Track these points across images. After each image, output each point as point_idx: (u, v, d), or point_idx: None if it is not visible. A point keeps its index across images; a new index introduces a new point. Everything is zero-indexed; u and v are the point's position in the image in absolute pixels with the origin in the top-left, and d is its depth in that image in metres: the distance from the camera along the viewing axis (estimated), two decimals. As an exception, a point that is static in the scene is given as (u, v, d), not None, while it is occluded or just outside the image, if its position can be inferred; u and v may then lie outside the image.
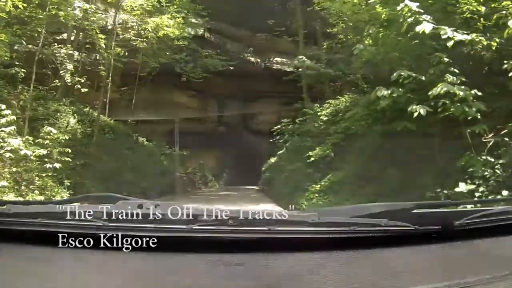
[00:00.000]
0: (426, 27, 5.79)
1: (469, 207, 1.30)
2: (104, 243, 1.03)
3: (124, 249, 1.01)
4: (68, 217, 1.08)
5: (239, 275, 0.94)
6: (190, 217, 1.10)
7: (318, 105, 15.62)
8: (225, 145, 28.57)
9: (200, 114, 26.99)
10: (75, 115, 12.62)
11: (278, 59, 24.89)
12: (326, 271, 0.96)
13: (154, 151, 18.74)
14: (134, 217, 1.07)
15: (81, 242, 1.04)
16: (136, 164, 14.26)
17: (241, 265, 0.98)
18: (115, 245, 1.02)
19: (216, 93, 26.25)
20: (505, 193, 5.02)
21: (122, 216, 1.10)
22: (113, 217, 1.10)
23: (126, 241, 1.02)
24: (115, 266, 0.98)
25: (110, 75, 14.66)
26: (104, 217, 1.08)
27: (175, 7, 16.92)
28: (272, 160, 21.80)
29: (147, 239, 1.02)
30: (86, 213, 1.09)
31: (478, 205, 1.32)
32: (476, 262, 1.03)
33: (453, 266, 1.01)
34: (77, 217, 1.08)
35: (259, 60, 24.88)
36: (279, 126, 18.51)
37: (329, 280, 0.92)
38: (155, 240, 1.03)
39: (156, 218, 1.09)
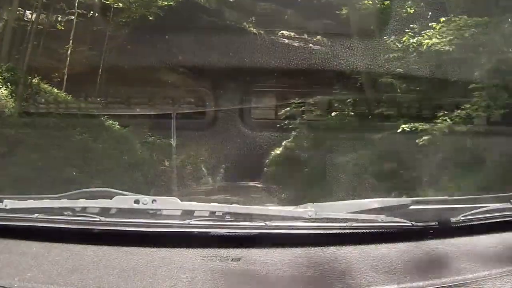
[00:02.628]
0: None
1: (466, 204, 1.30)
2: (101, 238, 1.03)
3: (120, 244, 1.01)
4: (65, 213, 1.08)
5: (235, 270, 0.94)
6: (187, 213, 1.10)
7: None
8: (222, 133, 26.74)
9: (193, 95, 25.24)
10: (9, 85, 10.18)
11: (285, 32, 20.51)
12: (323, 266, 0.95)
13: (127, 138, 15.03)
14: (131, 212, 1.07)
15: (77, 237, 1.04)
16: (93, 154, 11.08)
17: (238, 260, 0.98)
18: (111, 240, 1.02)
19: (211, 72, 24.31)
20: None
21: (118, 211, 1.10)
22: (110, 212, 1.10)
23: (123, 236, 1.02)
24: (112, 261, 0.97)
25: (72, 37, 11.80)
26: (101, 213, 1.08)
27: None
28: (278, 151, 18.25)
29: (144, 234, 1.02)
30: (83, 209, 1.10)
31: (476, 202, 1.32)
32: (473, 259, 1.03)
33: (450, 263, 1.01)
34: (74, 213, 1.08)
35: (262, 32, 20.50)
36: (288, 109, 15.48)
37: (326, 275, 0.92)
38: (152, 235, 1.03)
39: (153, 213, 1.09)
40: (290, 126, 13.65)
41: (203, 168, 21.13)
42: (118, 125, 13.45)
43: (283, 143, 15.38)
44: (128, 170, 11.49)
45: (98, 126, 12.10)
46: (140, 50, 15.92)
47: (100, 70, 13.86)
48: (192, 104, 20.91)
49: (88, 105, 13.36)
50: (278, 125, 14.00)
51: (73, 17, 12.37)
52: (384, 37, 9.31)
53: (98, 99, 14.17)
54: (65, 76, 12.27)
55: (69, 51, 12.11)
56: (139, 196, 1.09)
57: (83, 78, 13.26)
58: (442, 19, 7.51)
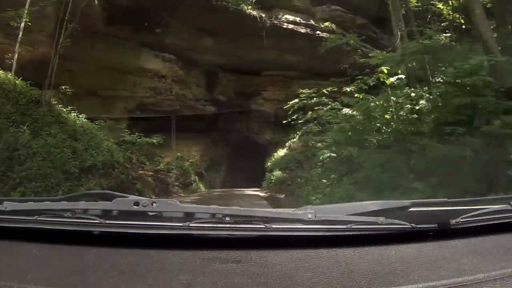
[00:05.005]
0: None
1: (466, 205, 1.30)
2: (101, 241, 1.03)
3: (120, 246, 1.02)
4: (65, 215, 1.09)
5: (235, 272, 0.94)
6: (187, 215, 1.10)
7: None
8: (216, 131, 21.45)
9: (182, 87, 19.06)
10: None
11: (289, 17, 18.10)
12: (322, 269, 0.96)
13: (91, 134, 12.21)
14: (131, 215, 1.08)
15: (77, 240, 1.04)
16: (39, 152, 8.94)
17: (238, 263, 0.98)
18: (111, 242, 1.02)
19: (204, 60, 18.81)
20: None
21: (118, 213, 1.11)
22: (110, 215, 1.11)
23: (123, 238, 1.03)
24: (112, 263, 0.97)
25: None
26: (101, 215, 1.09)
27: None
28: (281, 152, 17.51)
29: (144, 236, 1.03)
30: (83, 211, 1.10)
31: (475, 203, 1.32)
32: (473, 261, 1.03)
33: (449, 265, 1.01)
34: (73, 215, 1.08)
35: (263, 15, 17.80)
36: (296, 100, 14.43)
37: (326, 278, 0.92)
38: (152, 238, 1.03)
39: (153, 215, 1.10)
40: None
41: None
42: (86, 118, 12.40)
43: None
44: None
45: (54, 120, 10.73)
46: (120, 36, 15.31)
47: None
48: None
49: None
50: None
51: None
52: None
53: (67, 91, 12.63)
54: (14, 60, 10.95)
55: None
56: (139, 198, 1.10)
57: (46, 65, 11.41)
58: None
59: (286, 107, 15.04)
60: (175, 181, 17.47)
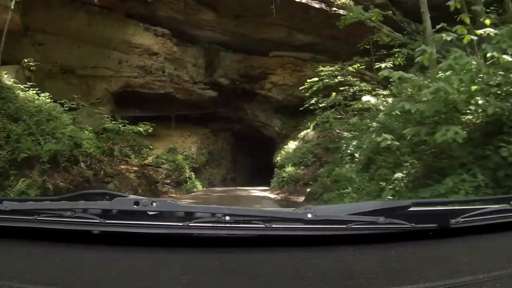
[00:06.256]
0: None
1: (466, 205, 1.30)
2: (100, 240, 1.03)
3: (120, 245, 1.02)
4: (65, 214, 1.09)
5: (235, 272, 0.94)
6: (187, 214, 1.10)
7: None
8: (216, 120, 18.99)
9: (176, 66, 16.23)
10: None
11: None
12: (322, 268, 0.96)
13: (50, 116, 9.49)
14: (131, 214, 1.08)
15: (77, 239, 1.04)
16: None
17: (237, 262, 0.98)
18: (111, 242, 1.03)
19: (203, 36, 16.44)
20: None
21: (118, 213, 1.11)
22: (110, 214, 1.11)
23: (123, 238, 1.03)
24: (111, 263, 0.98)
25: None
26: (101, 214, 1.09)
27: None
28: (292, 145, 14.87)
29: (143, 235, 1.03)
30: (83, 210, 1.10)
31: (475, 203, 1.33)
32: (473, 261, 1.03)
33: (449, 265, 1.01)
34: (73, 214, 1.08)
35: None
36: (316, 79, 12.25)
37: (325, 277, 0.92)
38: (151, 237, 1.03)
39: (153, 215, 1.10)
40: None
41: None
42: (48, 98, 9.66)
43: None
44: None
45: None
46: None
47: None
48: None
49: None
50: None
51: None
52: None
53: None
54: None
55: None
56: (138, 198, 1.10)
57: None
58: None
59: (303, 87, 13.02)
60: (166, 178, 14.48)
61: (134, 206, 1.07)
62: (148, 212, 1.09)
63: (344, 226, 1.07)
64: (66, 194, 1.24)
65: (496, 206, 1.24)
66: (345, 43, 14.60)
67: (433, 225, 1.11)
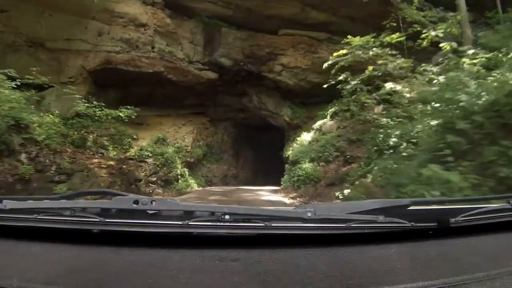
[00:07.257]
0: None
1: (466, 204, 1.31)
2: (100, 239, 1.03)
3: (120, 244, 1.02)
4: (64, 213, 1.09)
5: (234, 270, 0.95)
6: (186, 213, 1.11)
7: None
8: (216, 107, 16.51)
9: (169, 42, 13.59)
10: None
11: None
12: (322, 267, 0.96)
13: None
14: (130, 213, 1.08)
15: (77, 238, 1.04)
16: None
17: (237, 261, 0.98)
18: (111, 241, 1.03)
19: (202, 9, 14.10)
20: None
21: (118, 212, 1.11)
22: (109, 213, 1.11)
23: (122, 237, 1.03)
24: (111, 262, 0.98)
25: None
26: (100, 213, 1.09)
27: None
28: (306, 136, 12.38)
29: (143, 234, 1.03)
30: (82, 209, 1.10)
31: (474, 202, 1.34)
32: (472, 259, 1.03)
33: (449, 263, 1.02)
34: (73, 213, 1.08)
35: None
36: (344, 51, 9.99)
37: (325, 276, 0.92)
38: (151, 236, 1.03)
39: (152, 214, 1.10)
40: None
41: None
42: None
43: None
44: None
45: None
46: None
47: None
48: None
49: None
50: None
51: None
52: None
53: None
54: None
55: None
56: (138, 197, 1.10)
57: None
58: None
59: (328, 62, 10.49)
60: (151, 176, 11.67)
61: (134, 205, 1.07)
62: (148, 211, 1.09)
63: (344, 225, 1.07)
64: (66, 193, 1.24)
65: (495, 205, 1.25)
66: (363, 24, 12.83)
67: (433, 224, 1.11)
